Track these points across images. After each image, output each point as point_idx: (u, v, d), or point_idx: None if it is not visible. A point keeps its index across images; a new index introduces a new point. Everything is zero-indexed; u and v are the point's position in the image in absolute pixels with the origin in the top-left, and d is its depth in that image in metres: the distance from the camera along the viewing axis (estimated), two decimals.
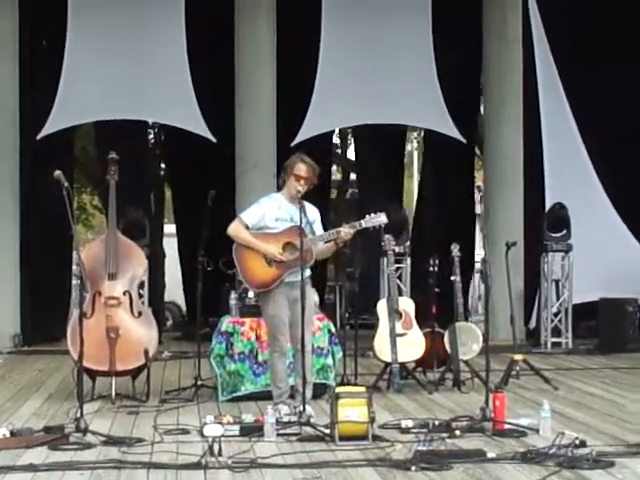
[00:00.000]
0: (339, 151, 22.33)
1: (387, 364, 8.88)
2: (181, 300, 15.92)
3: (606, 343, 12.39)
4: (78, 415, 6.57)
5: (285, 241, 7.41)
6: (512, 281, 8.94)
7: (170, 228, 16.46)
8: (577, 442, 5.97)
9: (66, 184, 6.83)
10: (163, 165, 18.39)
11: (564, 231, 12.86)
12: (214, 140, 12.96)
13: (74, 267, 12.78)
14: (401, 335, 8.83)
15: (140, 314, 8.55)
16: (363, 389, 6.85)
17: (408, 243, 12.83)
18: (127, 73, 12.86)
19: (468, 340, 9.10)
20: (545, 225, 12.83)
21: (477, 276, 16.01)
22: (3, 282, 12.60)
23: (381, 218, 7.55)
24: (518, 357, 9.14)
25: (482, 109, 15.12)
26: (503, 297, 9.39)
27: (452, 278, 9.34)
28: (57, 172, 6.86)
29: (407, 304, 9.07)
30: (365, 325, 10.40)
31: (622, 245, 13.53)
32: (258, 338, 8.35)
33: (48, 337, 12.51)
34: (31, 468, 5.66)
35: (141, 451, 6.17)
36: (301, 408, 6.89)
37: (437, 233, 13.81)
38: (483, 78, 14.36)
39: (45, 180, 7.96)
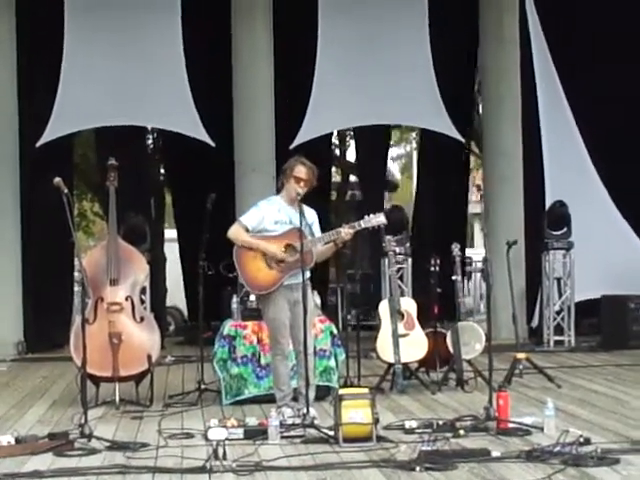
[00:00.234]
0: (338, 153, 22.34)
1: (390, 365, 8.87)
2: (183, 305, 15.93)
3: (609, 340, 12.40)
4: (82, 421, 6.59)
5: (285, 243, 7.40)
6: (513, 280, 8.94)
7: (171, 233, 16.46)
8: (582, 440, 5.97)
9: (66, 191, 6.85)
10: (163, 170, 18.39)
11: (565, 229, 12.86)
12: (213, 144, 12.95)
13: (76, 274, 12.79)
14: (403, 336, 8.83)
15: (142, 319, 8.56)
16: (366, 390, 6.85)
17: (409, 244, 12.83)
18: (125, 78, 12.84)
19: (471, 339, 9.09)
20: (546, 223, 12.83)
21: (478, 275, 16.03)
22: (5, 289, 12.60)
23: (380, 218, 7.55)
24: (521, 356, 9.15)
25: (480, 107, 15.14)
26: (505, 296, 9.41)
27: (453, 278, 9.34)
28: (57, 179, 6.88)
29: (409, 304, 9.07)
30: (367, 326, 10.41)
31: (623, 242, 13.52)
32: (260, 341, 8.36)
33: (51, 344, 12.52)
34: (36, 475, 5.67)
35: (146, 456, 6.18)
36: (305, 410, 6.89)
37: (436, 233, 13.83)
38: (480, 76, 14.38)
39: (45, 187, 7.97)
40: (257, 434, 6.62)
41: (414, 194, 17.18)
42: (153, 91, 12.93)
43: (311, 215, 7.52)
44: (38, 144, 12.52)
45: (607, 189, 13.62)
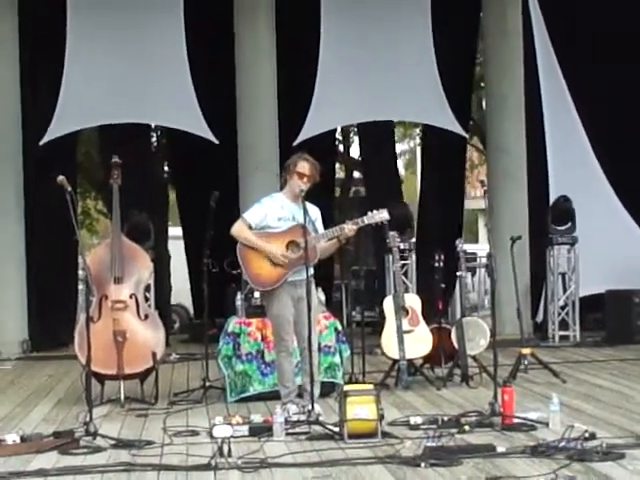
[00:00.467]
0: (342, 149, 22.34)
1: (395, 361, 8.88)
2: (188, 302, 15.93)
3: (613, 335, 12.39)
4: (87, 419, 6.59)
5: (289, 240, 7.40)
6: (518, 275, 8.94)
7: (176, 231, 16.47)
8: (587, 435, 5.97)
9: (69, 189, 6.85)
10: (166, 168, 18.40)
11: (569, 224, 12.84)
12: (216, 142, 12.96)
13: (80, 272, 12.79)
14: (408, 332, 8.82)
15: (147, 317, 8.56)
16: (371, 386, 6.85)
17: (413, 239, 12.83)
18: (127, 76, 12.86)
19: (475, 335, 9.09)
20: (550, 218, 12.82)
21: (483, 271, 16.01)
22: (10, 288, 12.63)
23: (383, 214, 7.54)
24: (526, 351, 9.13)
25: (484, 104, 15.13)
26: (509, 291, 9.39)
27: (458, 273, 9.33)
28: (60, 177, 6.87)
29: (413, 300, 9.06)
30: (372, 323, 10.40)
31: (628, 237, 13.51)
32: (264, 338, 8.35)
33: (56, 342, 12.54)
34: (42, 473, 5.68)
35: (151, 453, 6.18)
36: (309, 407, 6.89)
37: (440, 229, 13.82)
38: (483, 71, 14.36)
39: (48, 186, 7.98)
40: (262, 431, 6.62)
41: (418, 190, 17.19)
42: (156, 89, 12.94)
43: (314, 211, 7.52)
44: (41, 142, 12.53)
45: (611, 184, 13.61)
